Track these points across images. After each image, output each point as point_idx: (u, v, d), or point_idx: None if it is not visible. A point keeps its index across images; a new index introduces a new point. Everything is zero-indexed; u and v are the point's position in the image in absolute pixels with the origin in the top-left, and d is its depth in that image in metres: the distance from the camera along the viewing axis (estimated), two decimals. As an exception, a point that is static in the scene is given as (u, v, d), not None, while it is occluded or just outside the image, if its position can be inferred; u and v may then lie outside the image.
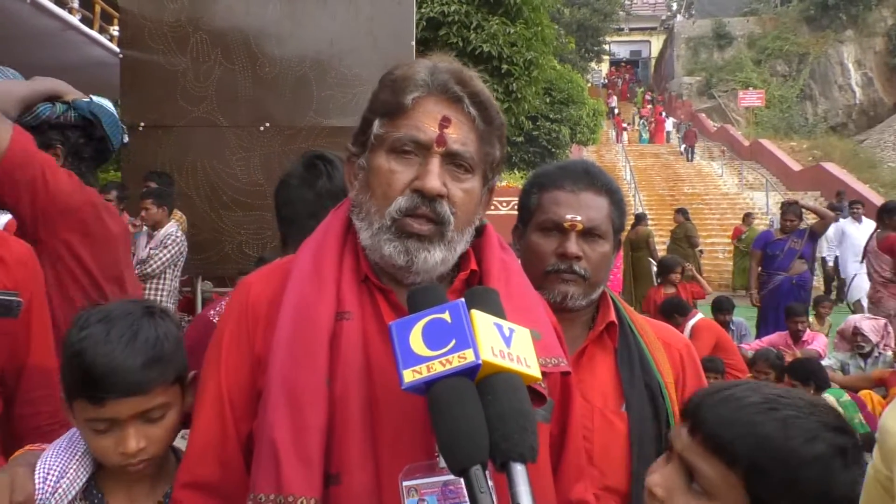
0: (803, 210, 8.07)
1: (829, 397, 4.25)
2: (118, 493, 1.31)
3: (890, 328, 5.85)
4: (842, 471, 0.93)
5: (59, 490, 1.25)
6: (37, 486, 1.23)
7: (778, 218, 8.78)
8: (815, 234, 8.04)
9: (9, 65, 2.16)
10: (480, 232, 1.22)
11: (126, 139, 2.26)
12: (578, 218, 1.47)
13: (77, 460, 1.30)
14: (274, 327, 1.10)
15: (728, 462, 0.94)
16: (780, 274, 7.85)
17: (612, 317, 1.52)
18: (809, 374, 4.58)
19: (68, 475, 1.27)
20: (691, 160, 25.25)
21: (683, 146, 26.50)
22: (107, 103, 2.14)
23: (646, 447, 1.41)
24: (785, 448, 0.92)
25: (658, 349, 1.52)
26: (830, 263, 9.84)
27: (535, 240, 1.51)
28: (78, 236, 1.88)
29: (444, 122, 1.11)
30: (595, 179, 1.52)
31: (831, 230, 9.59)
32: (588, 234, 1.48)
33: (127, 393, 1.22)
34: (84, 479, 1.28)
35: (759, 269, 7.98)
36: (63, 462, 1.28)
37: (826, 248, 9.96)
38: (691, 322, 6.00)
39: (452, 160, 1.12)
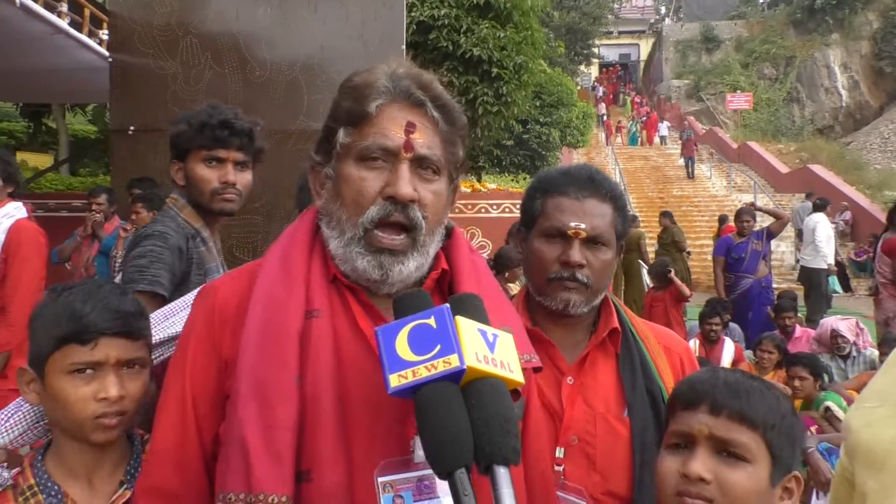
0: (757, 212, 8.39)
1: (831, 404, 4.33)
2: (76, 483, 1.32)
3: (863, 325, 5.93)
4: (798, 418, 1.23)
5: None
6: None
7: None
8: (772, 235, 8.30)
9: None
10: (449, 234, 1.24)
11: None
12: (582, 226, 1.46)
13: (23, 413, 1.39)
14: (242, 329, 1.10)
15: (752, 427, 1.15)
16: (747, 277, 7.94)
17: (615, 323, 1.52)
18: (812, 365, 4.65)
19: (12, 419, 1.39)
20: (692, 175, 22.55)
21: (682, 159, 23.52)
22: None
23: (648, 452, 1.40)
24: (781, 408, 1.17)
25: (659, 354, 1.53)
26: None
27: (538, 246, 1.51)
28: None
29: (410, 128, 1.13)
30: (600, 186, 1.51)
31: None
32: (591, 241, 1.47)
33: (119, 332, 1.28)
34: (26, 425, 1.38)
35: (724, 274, 8.08)
36: (10, 412, 1.40)
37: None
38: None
39: (420, 164, 1.14)
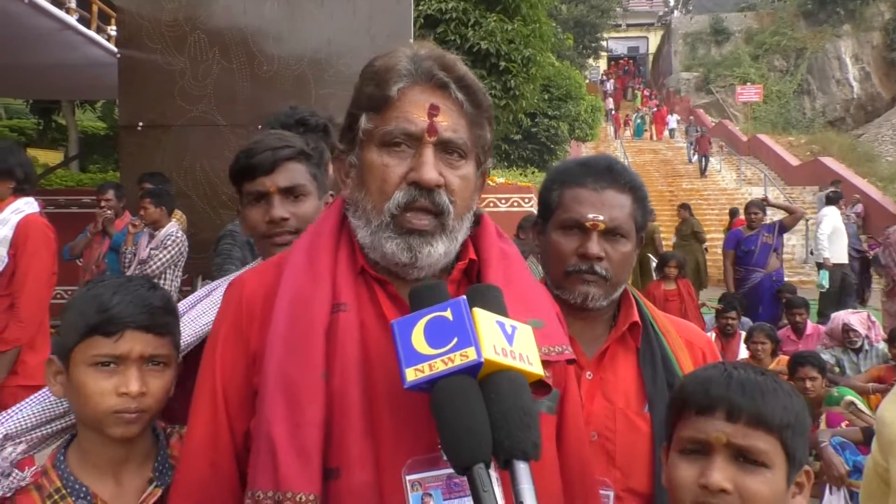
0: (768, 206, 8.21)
1: (853, 398, 4.31)
2: (103, 481, 1.30)
3: (874, 318, 5.88)
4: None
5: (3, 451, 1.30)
6: None
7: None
8: (784, 228, 8.12)
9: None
10: (477, 221, 1.21)
11: None
12: (601, 217, 1.43)
13: (38, 426, 1.33)
14: (269, 323, 1.09)
15: (770, 431, 1.11)
16: (758, 271, 7.80)
17: (635, 316, 1.49)
18: (819, 364, 4.63)
19: (16, 443, 1.31)
20: (704, 173, 21.80)
21: (696, 156, 22.54)
22: None
23: None
24: (794, 405, 1.14)
25: (681, 348, 1.50)
26: None
27: (555, 238, 1.47)
28: None
29: (433, 111, 1.09)
30: (618, 177, 1.47)
31: None
32: (610, 233, 1.44)
33: (144, 325, 1.28)
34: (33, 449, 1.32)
35: (733, 267, 7.97)
36: (18, 423, 1.32)
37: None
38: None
39: (445, 148, 1.10)
